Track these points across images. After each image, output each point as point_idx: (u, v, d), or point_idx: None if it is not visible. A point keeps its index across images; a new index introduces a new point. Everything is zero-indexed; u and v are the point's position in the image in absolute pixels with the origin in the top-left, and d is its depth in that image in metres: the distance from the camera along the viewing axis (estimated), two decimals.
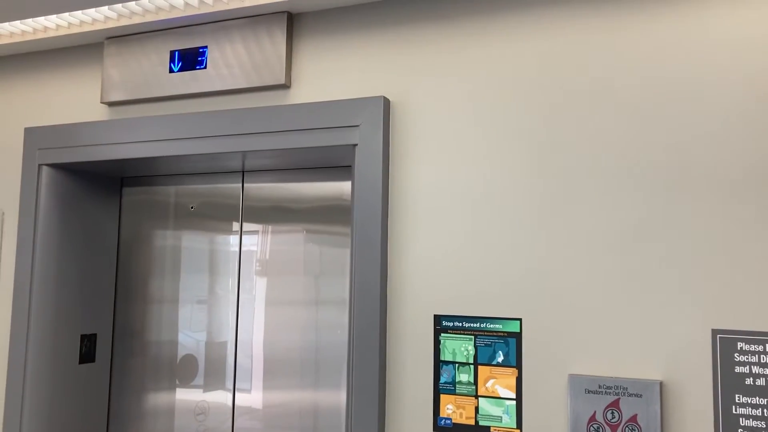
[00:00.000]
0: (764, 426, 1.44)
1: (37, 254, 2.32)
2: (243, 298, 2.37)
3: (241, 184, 2.43)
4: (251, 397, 2.32)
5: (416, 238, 1.84)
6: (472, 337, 1.75)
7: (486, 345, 1.73)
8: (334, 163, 2.22)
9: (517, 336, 1.70)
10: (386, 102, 1.91)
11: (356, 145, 1.91)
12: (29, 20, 2.19)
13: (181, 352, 2.45)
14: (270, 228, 2.36)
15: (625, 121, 1.65)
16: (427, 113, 1.88)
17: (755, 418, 1.45)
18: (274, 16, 2.06)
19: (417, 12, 1.92)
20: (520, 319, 1.71)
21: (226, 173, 2.46)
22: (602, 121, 1.68)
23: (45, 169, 2.36)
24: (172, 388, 2.45)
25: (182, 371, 2.44)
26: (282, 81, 2.03)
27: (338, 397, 2.19)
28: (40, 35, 2.30)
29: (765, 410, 1.45)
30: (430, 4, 1.91)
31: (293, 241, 2.31)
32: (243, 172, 2.43)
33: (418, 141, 1.88)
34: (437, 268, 1.81)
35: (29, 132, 2.39)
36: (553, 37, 1.76)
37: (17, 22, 2.22)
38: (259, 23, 2.07)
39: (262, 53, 2.06)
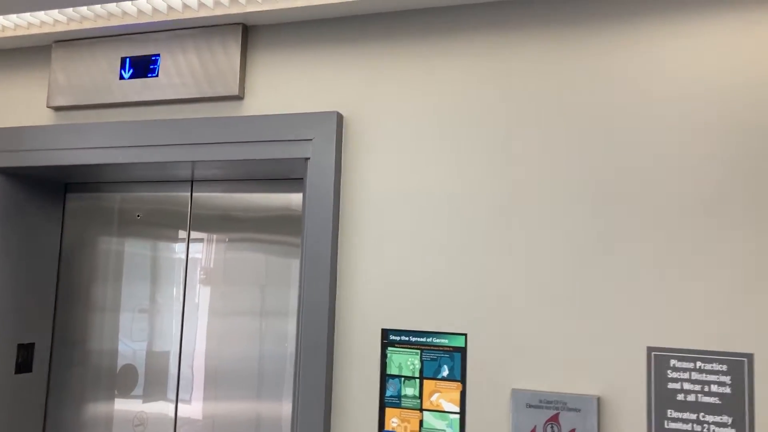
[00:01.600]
0: None
1: None
2: (188, 307, 2.34)
3: (189, 193, 2.41)
4: (193, 408, 2.29)
5: (366, 253, 1.87)
6: (419, 351, 1.78)
7: (432, 359, 1.76)
8: (285, 175, 2.22)
9: (463, 351, 1.74)
10: (339, 117, 1.93)
11: (308, 158, 1.92)
12: None
13: (122, 362, 2.40)
14: (217, 237, 2.34)
15: (575, 142, 1.72)
16: (379, 129, 1.91)
17: None
18: (228, 28, 2.06)
19: (371, 29, 1.96)
20: (466, 335, 1.74)
21: (175, 182, 2.43)
22: (552, 141, 1.74)
23: None
24: (111, 398, 2.40)
25: (122, 381, 2.39)
26: (235, 92, 2.03)
27: (281, 409, 2.18)
28: None
29: (694, 425, 1.52)
30: (383, 22, 1.95)
31: (241, 251, 2.30)
32: (192, 181, 2.41)
33: (370, 156, 1.90)
34: (386, 282, 1.83)
35: None
36: (507, 59, 1.81)
37: None
38: (214, 34, 2.07)
39: (215, 64, 2.06)
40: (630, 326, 1.61)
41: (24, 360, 2.36)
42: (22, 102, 2.32)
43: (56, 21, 2.13)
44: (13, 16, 2.10)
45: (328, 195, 1.89)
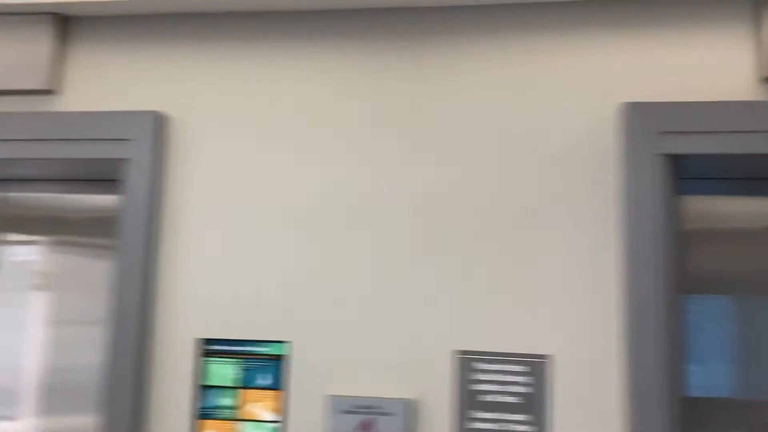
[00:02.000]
0: None
1: None
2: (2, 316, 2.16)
3: (3, 193, 2.22)
4: None
5: (189, 260, 1.80)
6: (238, 360, 1.74)
7: (251, 368, 1.73)
8: (107, 176, 2.10)
9: (283, 358, 1.73)
10: (161, 117, 1.85)
11: (127, 159, 1.83)
12: None
13: None
14: (32, 240, 2.18)
15: (393, 155, 1.76)
16: (206, 132, 1.85)
17: (487, 431, 1.60)
18: (41, 17, 1.92)
19: (202, 28, 1.90)
20: (287, 342, 1.73)
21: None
22: (375, 153, 1.77)
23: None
24: None
25: None
26: (47, 86, 1.89)
27: (90, 423, 2.06)
28: None
29: (495, 424, 1.60)
30: (215, 22, 1.90)
31: (61, 254, 2.15)
32: (5, 180, 2.22)
33: (196, 160, 1.84)
34: (208, 291, 1.78)
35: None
36: (338, 68, 1.82)
37: None
38: (25, 23, 1.92)
39: (26, 55, 1.91)
40: (439, 332, 1.67)
41: None
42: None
43: None
44: None
45: (146, 198, 1.81)
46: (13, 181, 2.21)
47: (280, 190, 1.79)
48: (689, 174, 1.72)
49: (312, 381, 1.71)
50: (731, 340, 1.71)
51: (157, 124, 1.83)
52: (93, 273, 2.13)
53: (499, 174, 1.71)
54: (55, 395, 2.09)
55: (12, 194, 2.21)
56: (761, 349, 1.69)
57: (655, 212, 1.60)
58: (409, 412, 1.63)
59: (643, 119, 1.65)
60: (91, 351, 2.08)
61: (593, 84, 1.71)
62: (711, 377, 1.70)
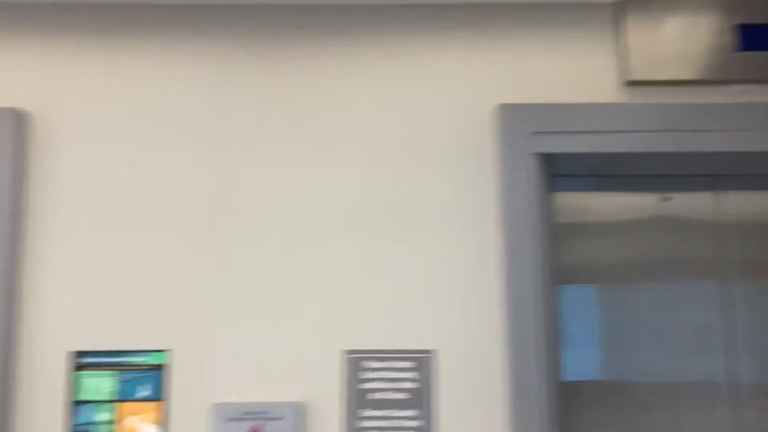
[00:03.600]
0: None
1: None
2: None
3: None
4: None
5: (55, 268, 1.68)
6: (115, 372, 1.65)
7: (129, 380, 1.64)
8: None
9: (164, 368, 1.65)
10: (19, 114, 1.71)
11: None
12: None
13: None
14: None
15: (255, 155, 1.73)
16: (71, 130, 1.73)
17: (377, 429, 1.61)
18: None
19: (65, 20, 1.77)
20: (167, 351, 1.65)
21: None
22: (246, 155, 1.73)
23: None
24: None
25: None
26: None
27: None
28: None
29: (385, 421, 1.62)
30: (78, 13, 1.78)
31: None
32: None
33: (61, 160, 1.72)
34: (79, 302, 1.67)
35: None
36: (212, 65, 1.76)
37: None
38: None
39: None
40: (326, 333, 1.66)
41: None
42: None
43: None
44: None
45: (6, 201, 1.66)
46: None
47: (153, 191, 1.71)
48: (560, 172, 1.82)
49: (195, 390, 1.64)
50: (601, 327, 1.83)
51: (17, 122, 1.69)
52: None
53: (378, 174, 1.72)
54: None
55: None
56: (628, 334, 1.82)
57: (530, 208, 1.68)
58: (298, 415, 1.61)
59: (517, 120, 1.72)
60: None
61: (470, 85, 1.76)
62: (584, 362, 1.81)
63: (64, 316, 1.66)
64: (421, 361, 1.65)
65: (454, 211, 1.71)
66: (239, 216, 1.70)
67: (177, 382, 1.65)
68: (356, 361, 1.64)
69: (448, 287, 1.67)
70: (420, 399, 1.63)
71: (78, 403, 1.63)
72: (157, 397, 1.64)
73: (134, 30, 1.78)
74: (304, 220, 1.70)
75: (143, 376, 1.64)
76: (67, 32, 1.77)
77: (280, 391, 1.64)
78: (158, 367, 1.65)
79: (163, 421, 1.63)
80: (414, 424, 1.62)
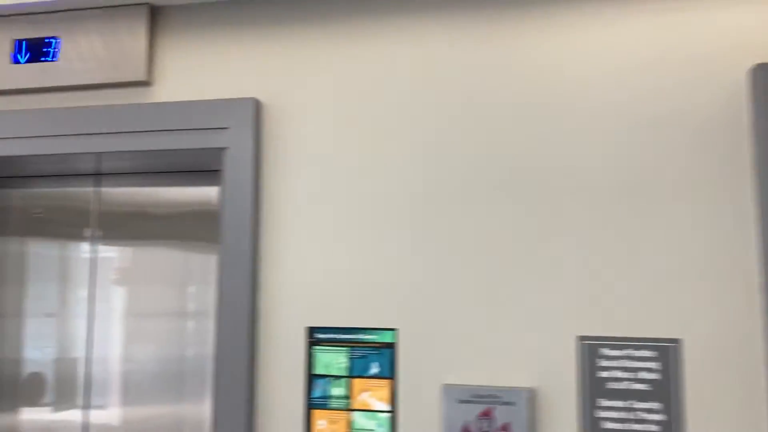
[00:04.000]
0: (624, 428, 1.50)
1: None
2: (98, 309, 2.17)
3: (95, 188, 2.23)
4: (107, 415, 2.13)
5: (290, 248, 1.77)
6: (347, 349, 1.70)
7: (360, 357, 1.69)
8: (202, 167, 2.09)
9: (392, 347, 1.67)
10: (257, 104, 1.82)
11: (225, 148, 1.81)
12: None
13: (27, 370, 2.21)
14: (128, 235, 2.18)
15: (497, 133, 1.68)
16: (302, 117, 1.81)
17: (615, 420, 1.51)
18: (134, 8, 1.91)
19: (293, 11, 1.85)
20: (395, 330, 1.68)
21: (79, 176, 2.25)
22: (478, 130, 1.69)
23: None
24: (15, 411, 2.20)
25: (28, 391, 2.20)
26: (142, 77, 1.88)
27: (203, 412, 2.06)
28: None
29: (624, 412, 1.51)
30: (306, 4, 1.85)
31: (156, 248, 2.16)
32: (98, 174, 2.23)
33: (293, 145, 1.80)
34: (312, 279, 1.74)
35: None
36: (433, 43, 1.75)
37: None
38: (118, 15, 1.91)
39: (120, 47, 1.90)
40: (559, 317, 1.58)
41: None
42: None
43: None
44: None
45: (247, 186, 1.78)
46: (107, 175, 2.22)
47: (381, 174, 1.73)
48: None
49: (424, 369, 1.65)
50: None
51: (255, 111, 1.80)
52: (192, 265, 2.12)
53: (621, 148, 1.60)
54: (160, 384, 2.09)
55: (105, 189, 2.22)
56: None
57: None
58: (531, 401, 1.55)
59: None
60: (195, 342, 2.08)
61: (724, 46, 1.58)
62: None
63: (301, 293, 1.74)
64: (665, 351, 1.51)
65: (706, 185, 1.55)
66: (468, 195, 1.68)
67: (405, 361, 1.66)
68: (592, 348, 1.54)
69: (700, 270, 1.52)
70: (663, 391, 1.50)
71: (314, 376, 1.70)
72: (386, 374, 1.67)
73: (363, 18, 1.81)
74: (536, 199, 1.64)
75: (374, 353, 1.68)
76: (298, 22, 1.85)
77: (510, 375, 1.59)
78: (388, 345, 1.68)
79: (392, 399, 1.65)
80: (656, 417, 1.50)
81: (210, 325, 2.08)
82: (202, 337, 2.09)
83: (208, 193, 2.13)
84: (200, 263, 2.11)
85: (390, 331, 1.68)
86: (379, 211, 1.72)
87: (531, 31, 1.69)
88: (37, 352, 2.21)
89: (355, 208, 1.74)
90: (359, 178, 1.75)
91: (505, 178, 1.66)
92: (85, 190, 2.24)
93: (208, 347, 2.08)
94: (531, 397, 1.55)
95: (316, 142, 1.79)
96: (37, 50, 1.95)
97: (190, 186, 2.15)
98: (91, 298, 2.18)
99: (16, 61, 1.96)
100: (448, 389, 1.60)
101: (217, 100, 1.83)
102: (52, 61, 1.94)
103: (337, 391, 1.68)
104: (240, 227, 1.77)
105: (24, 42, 1.97)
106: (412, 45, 1.76)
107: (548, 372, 1.57)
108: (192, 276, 2.12)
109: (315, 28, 1.83)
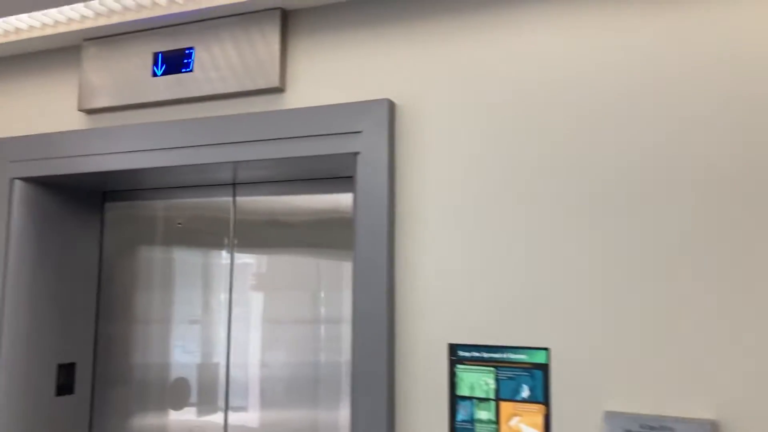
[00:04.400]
0: None
1: (9, 277, 2.11)
2: (236, 315, 2.17)
3: (232, 198, 2.23)
4: (248, 418, 2.11)
5: (428, 258, 1.64)
6: (493, 369, 1.55)
7: (509, 378, 1.53)
8: (335, 173, 2.02)
9: (545, 368, 1.50)
10: (391, 105, 1.71)
11: (358, 153, 1.72)
12: (11, 19, 2.00)
13: (170, 375, 2.24)
14: (264, 243, 2.16)
15: (653, 133, 1.46)
16: (437, 119, 1.68)
17: None
18: (266, 14, 1.87)
19: (426, 7, 1.74)
20: (548, 349, 1.51)
21: (216, 186, 2.26)
22: (629, 134, 1.49)
23: (17, 183, 2.16)
24: (161, 415, 2.24)
25: (172, 396, 2.23)
26: (276, 84, 1.84)
27: (337, 417, 1.98)
28: (12, 37, 2.10)
29: None
30: (436, 1, 1.73)
31: (289, 256, 2.11)
32: (234, 184, 2.23)
33: (428, 150, 1.68)
34: (452, 291, 1.61)
35: None
36: (588, 28, 1.57)
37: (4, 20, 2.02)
38: (250, 21, 1.88)
39: (253, 54, 1.87)
40: (752, 338, 1.34)
41: (65, 381, 2.22)
42: (52, 106, 2.17)
43: (83, 17, 1.98)
44: (39, 14, 1.96)
45: (381, 192, 1.67)
46: (243, 184, 2.21)
47: (529, 179, 1.57)
48: None
49: (581, 394, 1.46)
50: None
51: (389, 113, 1.70)
52: (325, 272, 2.05)
53: None
54: (295, 389, 2.04)
55: (241, 198, 2.21)
56: None
57: None
58: None
59: None
60: (328, 348, 2.01)
61: None
62: None
63: (442, 307, 1.61)
64: None
65: None
66: (628, 199, 1.48)
67: (560, 384, 1.49)
68: None
69: None
70: None
71: (458, 398, 1.57)
72: (539, 399, 1.50)
73: (499, 6, 1.66)
74: (708, 199, 1.41)
75: (524, 374, 1.52)
76: (427, 21, 1.73)
77: (683, 405, 1.38)
78: (539, 367, 1.51)
79: (546, 426, 1.48)
80: None
81: (342, 331, 2.01)
82: (335, 344, 2.01)
83: (340, 200, 2.06)
84: (333, 270, 2.04)
85: (542, 351, 1.51)
86: (530, 219, 1.56)
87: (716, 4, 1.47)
88: (182, 356, 2.24)
89: (502, 216, 1.58)
90: (505, 183, 1.59)
91: (674, 184, 1.44)
92: (222, 200, 2.24)
93: (341, 354, 2.00)
94: (713, 431, 1.33)
95: (455, 145, 1.65)
96: (174, 62, 1.97)
97: (323, 193, 2.09)
98: (230, 305, 2.18)
99: (156, 74, 1.98)
100: (612, 417, 1.41)
101: (349, 103, 1.74)
102: (188, 72, 1.95)
103: (483, 414, 1.54)
104: (374, 235, 1.67)
105: (160, 54, 1.99)
106: (561, 33, 1.59)
107: (734, 402, 1.34)
108: (325, 282, 2.05)
109: (447, 24, 1.70)
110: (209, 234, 2.25)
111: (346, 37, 1.82)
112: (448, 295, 1.61)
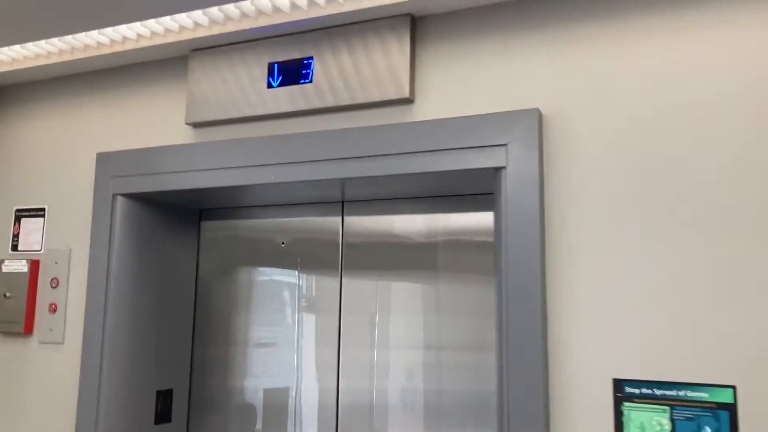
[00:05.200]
0: None
1: (110, 299, 2.01)
2: (346, 341, 2.03)
3: (341, 216, 2.11)
4: None
5: (584, 283, 1.49)
6: (668, 407, 1.39)
7: (687, 419, 1.37)
8: (462, 191, 1.89)
9: (731, 408, 1.34)
10: (539, 115, 1.58)
11: (502, 168, 1.58)
12: (108, 30, 1.92)
13: (269, 401, 2.11)
14: (377, 265, 2.03)
15: None
16: (590, 131, 1.54)
17: None
18: (394, 20, 1.75)
19: (570, 11, 1.60)
20: (734, 387, 1.34)
21: (323, 203, 2.14)
22: None
23: (120, 199, 2.06)
24: None
25: (271, 422, 2.10)
26: (406, 94, 1.72)
27: None
28: (117, 47, 2.02)
29: None
30: (579, 2, 1.59)
31: (406, 279, 1.98)
32: (343, 201, 2.11)
33: (581, 165, 1.54)
34: (616, 321, 1.45)
35: (102, 158, 2.10)
36: (747, 47, 1.42)
37: (94, 32, 1.94)
38: (376, 28, 1.77)
39: (380, 63, 1.75)
40: None
41: (163, 408, 2.10)
42: (159, 120, 2.08)
43: (197, 24, 1.88)
44: (152, 22, 1.87)
45: (532, 213, 1.53)
46: (357, 202, 2.09)
47: (700, 197, 1.42)
48: None
49: None
50: None
51: (537, 124, 1.56)
52: (442, 296, 1.91)
53: None
54: (425, 418, 1.89)
55: (351, 217, 2.08)
56: None
57: None
58: None
59: None
60: (449, 377, 1.86)
61: None
62: None
63: (603, 338, 1.46)
64: None
65: None
66: None
67: (749, 427, 1.32)
68: None
69: None
70: None
71: None
72: None
73: (658, 7, 1.52)
74: None
75: (705, 415, 1.35)
76: (570, 24, 1.60)
77: None
78: (724, 407, 1.34)
79: None
80: None
81: (457, 359, 1.85)
82: (453, 372, 1.86)
83: (469, 218, 1.92)
84: (451, 294, 1.90)
85: (728, 389, 1.34)
86: (709, 243, 1.40)
87: None
88: (280, 381, 2.11)
89: (673, 238, 1.43)
90: (675, 202, 1.44)
91: None
92: (330, 219, 2.12)
93: (457, 382, 1.85)
94: None
95: (612, 160, 1.51)
96: (291, 72, 1.86)
97: (446, 212, 1.95)
98: (339, 329, 2.05)
99: (272, 85, 1.88)
100: None
101: (491, 114, 1.61)
102: (307, 82, 1.84)
103: None
104: (525, 258, 1.52)
105: (277, 65, 1.88)
106: (728, 41, 1.44)
107: None
108: (440, 306, 1.91)
109: (597, 30, 1.56)
110: (315, 255, 2.13)
111: (480, 44, 1.69)
112: (611, 326, 1.45)
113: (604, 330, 1.46)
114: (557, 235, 1.54)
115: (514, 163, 1.57)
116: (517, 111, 1.58)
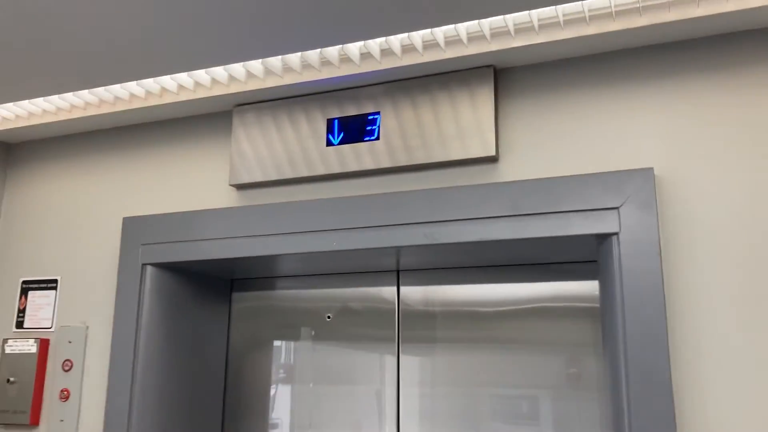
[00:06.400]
0: None
1: (137, 383, 1.74)
2: (405, 426, 1.79)
3: (396, 287, 1.90)
4: None
5: (718, 370, 1.30)
6: None
7: None
8: (547, 259, 1.70)
9: None
10: (653, 176, 1.42)
11: (616, 234, 1.40)
12: (148, 80, 1.72)
13: None
14: (440, 338, 1.81)
15: None
16: (708, 190, 1.39)
17: None
18: (475, 72, 1.60)
19: (671, 62, 1.47)
20: None
21: (374, 273, 1.93)
22: None
23: (150, 269, 1.82)
24: None
25: None
26: (492, 152, 1.55)
27: None
28: (153, 101, 1.81)
29: None
30: (702, 49, 1.46)
31: (479, 357, 1.76)
32: (398, 271, 1.90)
33: (700, 230, 1.37)
34: (756, 414, 1.26)
35: (130, 223, 1.87)
36: None
37: (132, 84, 1.74)
38: (452, 81, 1.61)
39: (461, 119, 1.59)
40: None
41: None
42: (197, 180, 1.87)
43: (250, 74, 1.70)
44: (200, 72, 1.68)
45: (653, 285, 1.35)
46: (412, 271, 1.88)
47: None
48: None
49: None
50: None
51: (652, 185, 1.39)
52: (529, 371, 1.70)
53: None
54: None
55: (413, 288, 1.87)
56: None
57: None
58: None
59: None
60: None
61: None
62: None
63: (743, 426, 1.26)
64: None
65: None
66: None
67: None
68: None
69: None
70: None
71: None
72: None
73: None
74: None
75: None
76: (674, 72, 1.46)
77: None
78: None
79: None
80: None
81: None
82: None
83: (545, 288, 1.73)
84: (540, 375, 1.69)
85: None
86: None
87: None
88: None
89: None
90: None
91: None
92: (384, 289, 1.91)
93: None
94: None
95: (738, 226, 1.35)
96: (354, 128, 1.68)
97: (528, 282, 1.76)
98: (398, 411, 1.81)
99: (332, 143, 1.69)
100: None
101: (594, 174, 1.44)
102: (371, 139, 1.66)
103: None
104: (647, 335, 1.33)
105: (336, 120, 1.70)
106: None
107: None
108: (526, 386, 1.69)
109: (717, 78, 1.43)
110: (365, 330, 1.90)
111: (571, 97, 1.55)
112: (750, 420, 1.26)
113: (742, 427, 1.26)
114: (676, 312, 1.36)
115: (630, 228, 1.39)
116: (629, 170, 1.42)
